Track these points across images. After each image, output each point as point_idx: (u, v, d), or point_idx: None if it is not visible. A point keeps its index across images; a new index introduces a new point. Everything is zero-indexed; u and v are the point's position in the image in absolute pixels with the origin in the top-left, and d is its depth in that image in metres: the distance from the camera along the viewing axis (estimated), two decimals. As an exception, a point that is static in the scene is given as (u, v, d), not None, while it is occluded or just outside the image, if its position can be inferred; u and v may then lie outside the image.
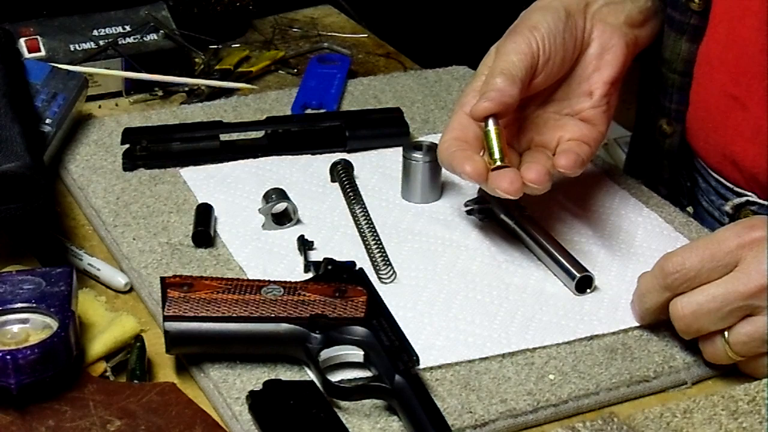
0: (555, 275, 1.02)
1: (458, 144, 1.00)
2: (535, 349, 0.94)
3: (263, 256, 1.04)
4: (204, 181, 1.15)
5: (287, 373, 0.91)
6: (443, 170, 1.13)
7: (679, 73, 1.16)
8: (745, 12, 1.07)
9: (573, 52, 1.07)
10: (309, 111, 1.29)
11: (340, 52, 1.47)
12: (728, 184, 1.14)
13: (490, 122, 0.99)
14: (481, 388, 0.90)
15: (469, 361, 0.93)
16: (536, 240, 1.05)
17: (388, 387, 0.87)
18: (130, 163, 1.17)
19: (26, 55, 1.29)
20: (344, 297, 0.93)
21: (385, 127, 1.22)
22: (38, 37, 1.31)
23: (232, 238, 1.06)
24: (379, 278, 1.01)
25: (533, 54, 1.03)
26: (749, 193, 1.12)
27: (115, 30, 1.34)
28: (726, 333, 0.90)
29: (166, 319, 0.90)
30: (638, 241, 1.08)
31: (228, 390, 0.89)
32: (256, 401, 0.86)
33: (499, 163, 0.98)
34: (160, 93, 1.35)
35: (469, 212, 1.10)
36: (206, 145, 1.18)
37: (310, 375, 0.90)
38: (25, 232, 1.05)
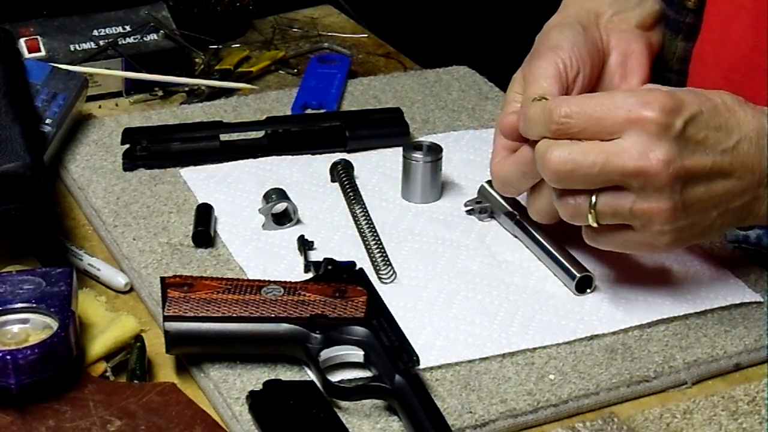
0: (555, 275, 1.02)
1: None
2: (535, 349, 0.94)
3: (263, 256, 1.04)
4: (204, 181, 1.15)
5: (287, 373, 0.91)
6: (443, 170, 1.13)
7: (674, 72, 1.16)
8: (738, 10, 1.07)
9: (598, 61, 1.08)
10: (309, 111, 1.29)
11: (340, 52, 1.47)
12: None
13: None
14: (481, 388, 0.90)
15: (469, 361, 0.93)
16: (536, 240, 1.05)
17: (388, 387, 0.87)
18: (130, 163, 1.17)
19: (26, 55, 1.29)
20: (344, 297, 0.93)
21: (385, 127, 1.22)
22: (38, 37, 1.31)
23: (232, 238, 1.06)
24: (379, 278, 1.01)
25: (561, 74, 1.03)
26: None
27: (115, 30, 1.34)
28: (594, 196, 0.91)
29: (166, 319, 0.90)
30: (638, 241, 1.08)
31: (228, 390, 0.89)
32: (256, 401, 0.86)
33: None
34: (160, 93, 1.35)
35: (469, 212, 1.10)
36: (206, 145, 1.18)
37: (310, 375, 0.90)
38: (25, 232, 1.05)
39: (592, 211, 0.92)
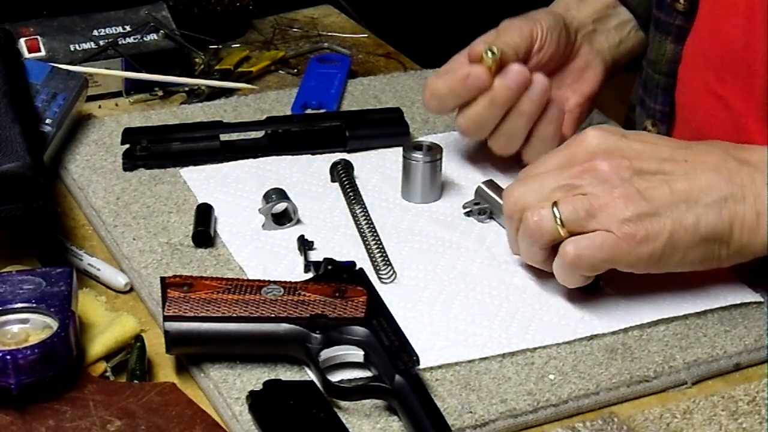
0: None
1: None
2: (535, 349, 0.94)
3: (263, 256, 1.04)
4: (204, 181, 1.15)
5: (287, 373, 0.91)
6: (443, 170, 1.13)
7: (663, 74, 1.18)
8: (730, 10, 1.08)
9: (562, 55, 1.15)
10: (309, 111, 1.29)
11: (340, 52, 1.47)
12: None
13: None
14: (481, 388, 0.90)
15: (469, 361, 0.93)
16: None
17: (388, 387, 0.87)
18: (130, 163, 1.17)
19: (26, 55, 1.29)
20: (344, 297, 0.93)
21: (385, 127, 1.22)
22: (38, 37, 1.31)
23: (232, 238, 1.06)
24: (379, 278, 1.01)
25: (533, 38, 1.12)
26: None
27: (115, 30, 1.34)
28: (555, 208, 0.94)
29: (166, 319, 0.90)
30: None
31: (228, 390, 0.89)
32: (256, 401, 0.86)
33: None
34: (160, 93, 1.35)
35: (467, 214, 1.10)
36: (206, 145, 1.18)
37: (310, 375, 0.90)
38: (25, 232, 1.05)
39: (558, 220, 0.93)
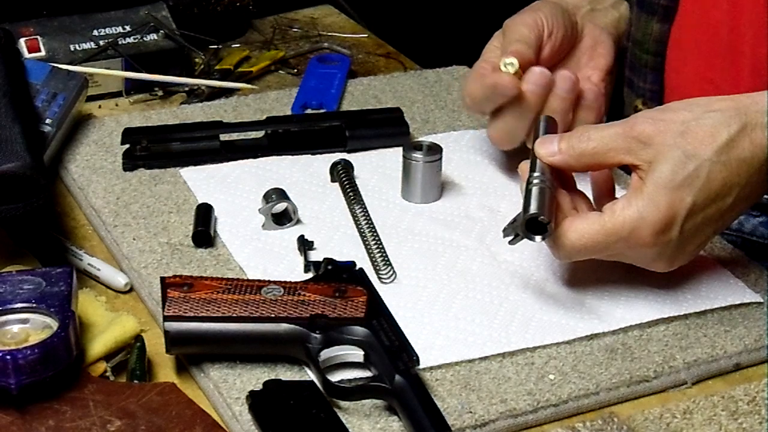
0: None
1: None
2: (535, 348, 0.94)
3: (263, 256, 1.04)
4: (204, 181, 1.15)
5: (287, 373, 0.91)
6: (443, 170, 1.13)
7: (651, 54, 1.18)
8: None
9: (570, 36, 1.15)
10: (309, 111, 1.29)
11: (340, 52, 1.47)
12: None
13: None
14: (481, 388, 0.90)
15: (469, 361, 0.93)
16: None
17: (388, 387, 0.87)
18: (130, 163, 1.17)
19: (26, 55, 1.29)
20: (344, 297, 0.93)
21: (385, 127, 1.22)
22: (38, 37, 1.31)
23: (232, 238, 1.06)
24: (379, 278, 1.01)
25: (539, 26, 1.12)
26: None
27: (115, 30, 1.34)
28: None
29: (166, 319, 0.90)
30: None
31: (228, 390, 0.89)
32: (256, 401, 0.86)
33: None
34: (160, 93, 1.35)
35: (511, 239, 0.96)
36: (206, 145, 1.18)
37: (310, 375, 0.90)
38: (25, 232, 1.05)
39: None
